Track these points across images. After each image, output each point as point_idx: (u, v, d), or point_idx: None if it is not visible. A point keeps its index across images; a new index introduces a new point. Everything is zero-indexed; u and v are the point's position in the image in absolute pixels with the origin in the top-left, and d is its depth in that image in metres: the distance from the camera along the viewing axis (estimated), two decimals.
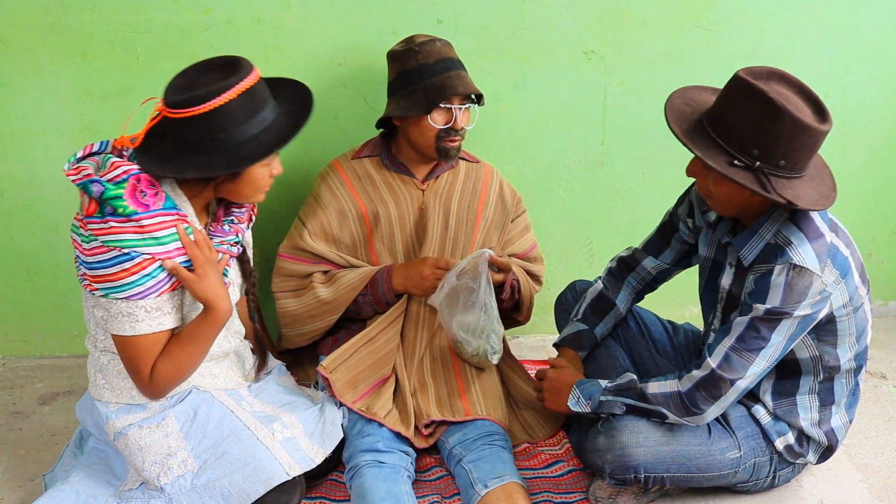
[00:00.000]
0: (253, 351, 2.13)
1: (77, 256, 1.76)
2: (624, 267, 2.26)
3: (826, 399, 1.96)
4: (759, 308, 1.78)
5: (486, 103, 2.57)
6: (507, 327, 2.51)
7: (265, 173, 1.81)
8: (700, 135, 1.76)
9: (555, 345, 2.30)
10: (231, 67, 1.72)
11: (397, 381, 2.23)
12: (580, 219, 2.85)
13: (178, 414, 1.85)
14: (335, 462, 2.07)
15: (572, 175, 2.79)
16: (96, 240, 1.67)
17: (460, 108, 2.18)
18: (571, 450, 2.23)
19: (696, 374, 1.86)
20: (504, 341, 2.37)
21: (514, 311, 2.46)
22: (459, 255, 2.34)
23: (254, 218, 2.02)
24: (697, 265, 2.16)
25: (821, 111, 1.71)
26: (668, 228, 2.18)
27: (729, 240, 1.95)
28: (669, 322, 2.34)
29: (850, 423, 2.03)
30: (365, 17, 2.51)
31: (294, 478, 1.84)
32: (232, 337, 2.01)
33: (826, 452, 2.02)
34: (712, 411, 1.87)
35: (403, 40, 2.28)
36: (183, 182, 1.78)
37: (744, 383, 1.83)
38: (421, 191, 2.34)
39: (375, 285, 2.24)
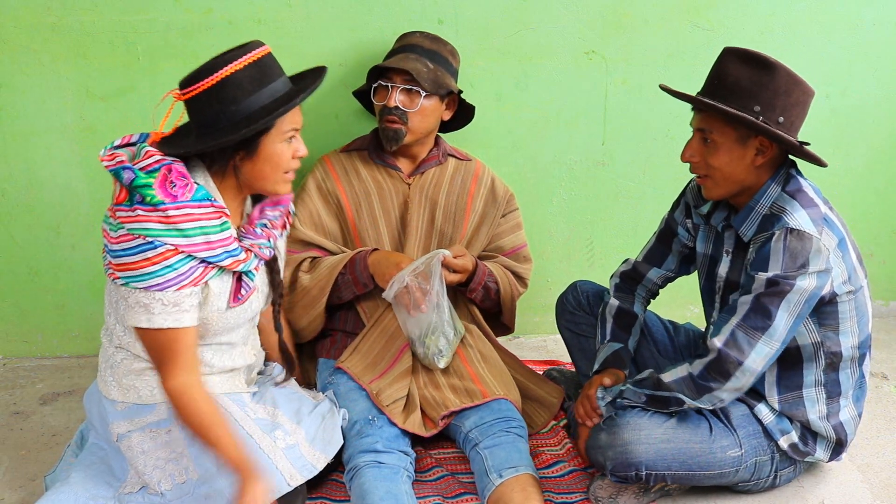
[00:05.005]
0: (265, 359, 2.14)
1: (105, 246, 1.74)
2: (629, 281, 2.25)
3: (833, 391, 1.95)
4: (762, 277, 1.78)
5: (488, 103, 2.57)
6: (497, 335, 2.49)
7: (285, 151, 1.77)
8: (699, 99, 1.84)
9: (594, 372, 2.15)
10: (239, 46, 1.73)
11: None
12: (581, 219, 2.85)
13: None
14: (335, 463, 2.07)
15: (573, 175, 2.78)
16: (123, 227, 1.66)
17: (398, 88, 2.21)
18: (572, 450, 2.23)
19: (705, 358, 1.85)
20: (485, 335, 2.38)
21: (497, 313, 2.45)
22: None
23: (288, 226, 2.00)
24: (698, 267, 2.16)
25: None
26: (666, 234, 2.18)
27: (724, 224, 1.97)
28: (670, 322, 2.34)
29: (860, 417, 2.02)
30: (366, 17, 2.51)
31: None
32: (248, 353, 2.00)
33: (837, 448, 2.01)
34: (726, 393, 1.85)
35: None
36: (211, 171, 1.77)
37: (753, 364, 1.81)
38: (407, 185, 2.35)
39: (353, 265, 2.24)
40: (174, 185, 1.66)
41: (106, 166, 1.69)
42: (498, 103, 2.64)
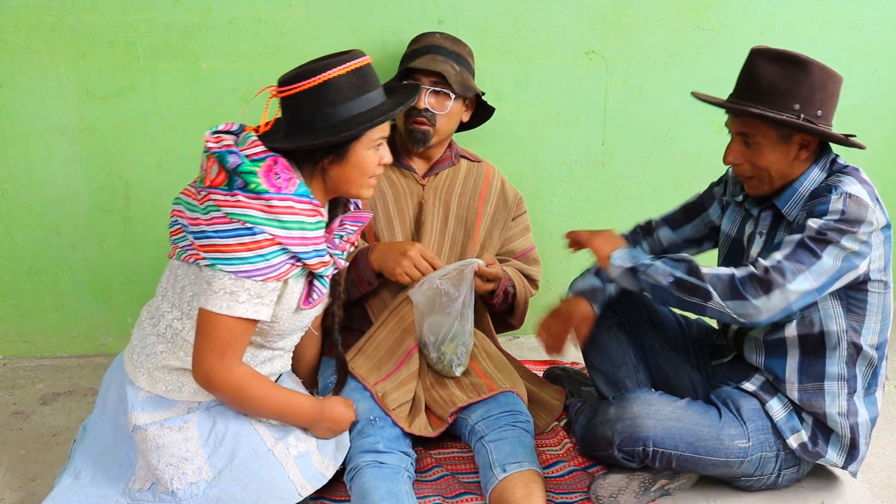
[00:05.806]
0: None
1: (182, 227, 1.76)
2: (639, 231, 2.27)
3: (852, 387, 1.95)
4: (813, 224, 1.79)
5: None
6: (500, 331, 2.49)
7: (373, 157, 1.80)
8: (741, 107, 1.87)
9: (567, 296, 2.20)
10: (341, 53, 1.77)
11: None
12: (581, 219, 2.85)
13: (201, 420, 1.82)
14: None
15: (573, 175, 2.79)
16: (218, 210, 1.68)
17: (427, 89, 2.21)
18: (572, 450, 2.23)
19: (750, 269, 1.81)
20: (489, 337, 2.37)
21: (508, 314, 2.44)
22: (458, 251, 2.34)
23: (356, 245, 2.03)
24: (717, 244, 2.18)
25: None
26: (693, 208, 2.20)
27: (761, 208, 1.99)
28: (683, 317, 2.30)
29: (871, 425, 2.01)
30: (366, 17, 2.51)
31: None
32: (286, 362, 2.01)
33: (851, 451, 1.98)
34: (754, 309, 1.79)
35: None
36: (301, 171, 1.79)
37: (795, 288, 1.77)
38: (421, 186, 2.34)
39: (356, 264, 2.21)
40: (279, 177, 1.69)
41: (210, 148, 1.71)
42: (498, 103, 2.63)
